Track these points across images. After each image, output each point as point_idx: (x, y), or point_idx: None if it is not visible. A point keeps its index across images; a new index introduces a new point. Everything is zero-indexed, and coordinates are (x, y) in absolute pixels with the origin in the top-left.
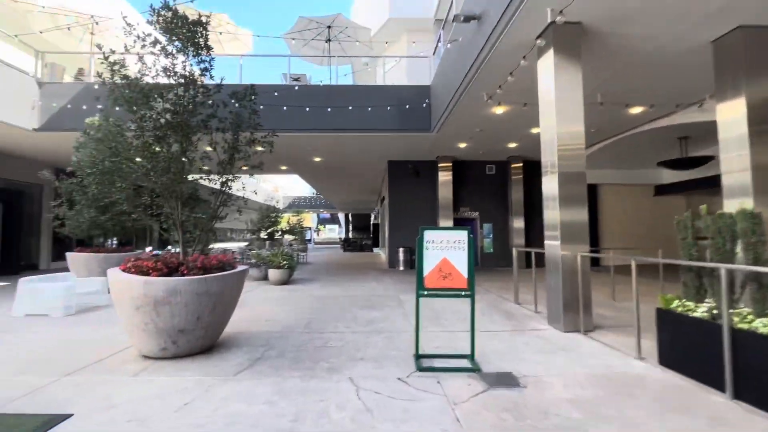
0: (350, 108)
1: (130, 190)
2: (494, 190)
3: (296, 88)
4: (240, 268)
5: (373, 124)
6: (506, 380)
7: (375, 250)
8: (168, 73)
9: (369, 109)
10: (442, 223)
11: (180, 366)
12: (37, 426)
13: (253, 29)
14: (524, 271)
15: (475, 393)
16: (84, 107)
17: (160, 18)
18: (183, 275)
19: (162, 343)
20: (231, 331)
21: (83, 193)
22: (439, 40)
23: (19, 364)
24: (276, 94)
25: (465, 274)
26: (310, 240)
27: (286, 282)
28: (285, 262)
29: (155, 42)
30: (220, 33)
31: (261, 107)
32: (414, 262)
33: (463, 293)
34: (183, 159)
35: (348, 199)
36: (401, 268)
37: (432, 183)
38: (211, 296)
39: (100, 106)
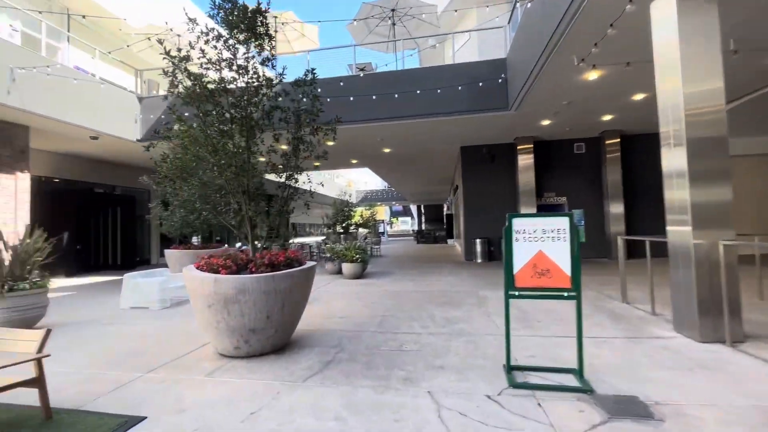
0: (418, 92)
1: (198, 186)
2: (584, 171)
3: (361, 76)
4: (308, 264)
5: (443, 107)
6: (631, 408)
7: (449, 241)
8: (230, 66)
9: (438, 91)
10: (524, 210)
11: (251, 366)
12: (113, 427)
13: (319, 24)
14: (627, 263)
15: (592, 425)
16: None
17: (221, 12)
18: (252, 273)
19: (235, 341)
20: (304, 328)
21: (174, 194)
22: (515, 6)
23: (114, 356)
24: (342, 84)
25: (567, 270)
26: (383, 233)
27: (359, 276)
28: (358, 256)
29: (219, 36)
30: (279, 24)
31: (328, 100)
32: (492, 253)
33: (565, 294)
34: (247, 152)
35: (419, 190)
36: (479, 260)
37: (510, 167)
38: (278, 294)
39: (186, 114)
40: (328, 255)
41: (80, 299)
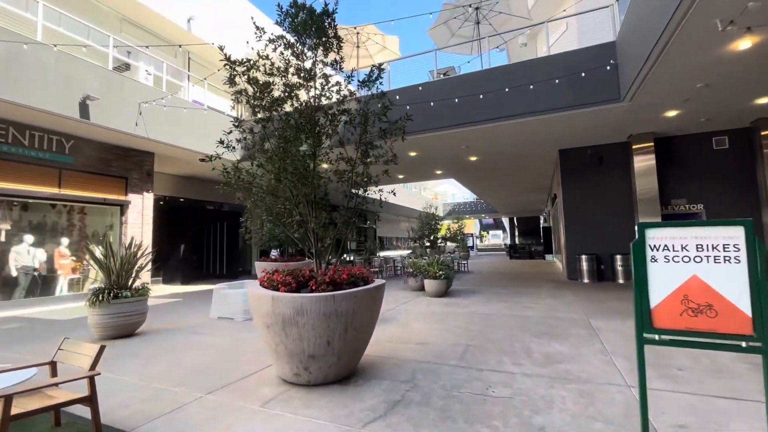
0: (506, 90)
1: (263, 197)
2: (728, 171)
3: (442, 78)
4: (376, 282)
5: (536, 105)
6: None
7: (547, 257)
8: (299, 73)
9: (531, 87)
10: (643, 219)
11: (309, 399)
12: None
13: (399, 33)
14: None
15: None
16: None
17: (288, 18)
18: (312, 291)
19: (294, 368)
20: (374, 353)
21: (256, 207)
22: None
23: (185, 371)
24: (420, 89)
25: (745, 306)
26: (472, 247)
27: (443, 294)
28: (441, 272)
29: (288, 45)
30: (361, 38)
31: (407, 107)
32: (603, 273)
33: (745, 343)
34: (312, 160)
35: (511, 201)
36: (585, 280)
37: (623, 171)
38: (340, 317)
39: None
40: (410, 270)
41: (182, 306)
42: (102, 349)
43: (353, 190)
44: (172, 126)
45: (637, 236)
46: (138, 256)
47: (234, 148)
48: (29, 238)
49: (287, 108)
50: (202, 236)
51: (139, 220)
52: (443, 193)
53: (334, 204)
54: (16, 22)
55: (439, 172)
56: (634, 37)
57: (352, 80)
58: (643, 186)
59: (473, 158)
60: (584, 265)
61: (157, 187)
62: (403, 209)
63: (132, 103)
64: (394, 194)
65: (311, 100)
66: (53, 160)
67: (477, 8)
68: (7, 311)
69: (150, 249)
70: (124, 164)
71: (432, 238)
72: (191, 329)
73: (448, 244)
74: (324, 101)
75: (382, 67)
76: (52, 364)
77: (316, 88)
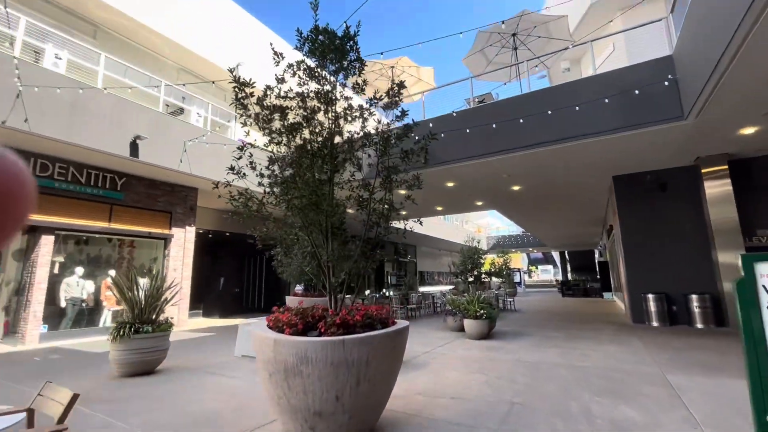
0: (549, 113)
1: (269, 227)
2: None
3: (479, 104)
4: (398, 325)
5: (583, 127)
6: None
7: (605, 295)
8: (318, 97)
9: (577, 108)
10: (723, 256)
11: None
12: None
13: (434, 64)
14: None
15: None
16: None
17: (307, 43)
18: (321, 334)
19: (299, 426)
20: (399, 408)
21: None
22: None
23: (188, 420)
24: (455, 115)
25: None
26: (519, 283)
27: (485, 336)
28: (483, 311)
29: (308, 68)
30: (395, 71)
31: (442, 135)
32: (675, 315)
33: None
34: (329, 186)
35: (561, 234)
36: (654, 323)
37: (691, 198)
38: (350, 367)
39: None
40: (449, 307)
41: (213, 341)
42: (74, 399)
43: (372, 219)
44: (215, 162)
45: (742, 273)
46: (164, 289)
47: (245, 175)
48: (80, 270)
49: (306, 134)
50: (243, 270)
51: (180, 253)
52: (487, 225)
53: (355, 234)
54: (85, 74)
55: (479, 203)
56: (697, 46)
57: (375, 103)
58: (718, 215)
59: (516, 188)
60: (652, 306)
61: (201, 221)
62: (444, 243)
63: (178, 142)
64: (420, 223)
65: (331, 124)
66: (106, 196)
67: (514, 34)
68: (51, 342)
69: (178, 282)
70: (170, 199)
71: (475, 273)
72: (211, 369)
73: (494, 279)
74: (343, 123)
75: (403, 82)
76: (30, 411)
77: (335, 111)
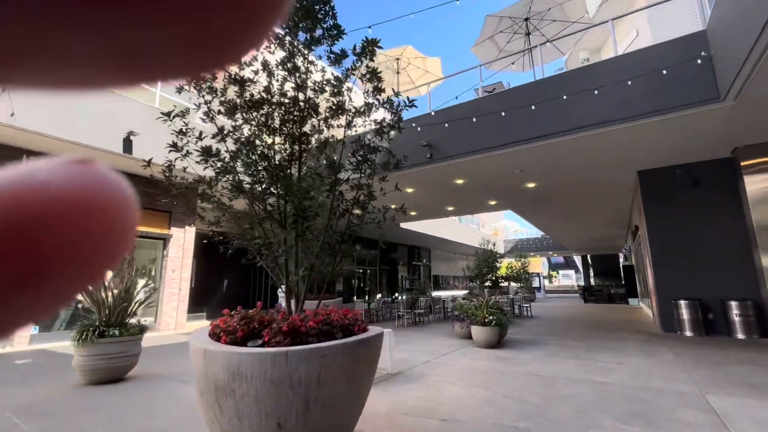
0: (564, 98)
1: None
2: None
3: (489, 94)
4: (366, 333)
5: (604, 114)
6: None
7: (631, 301)
8: (286, 69)
9: (596, 92)
10: None
11: None
12: None
13: (441, 53)
14: None
15: None
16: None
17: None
18: (265, 344)
19: None
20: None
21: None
22: None
23: None
24: (462, 106)
25: None
26: (539, 288)
27: (495, 344)
28: (492, 317)
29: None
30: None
31: (446, 125)
32: (711, 324)
33: None
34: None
35: (582, 237)
36: (687, 332)
37: (729, 195)
38: (296, 386)
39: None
40: (456, 313)
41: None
42: None
43: (342, 207)
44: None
45: None
46: (138, 289)
47: (189, 152)
48: None
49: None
50: (249, 270)
51: (180, 254)
52: (504, 228)
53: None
54: None
55: (493, 202)
56: (736, 14)
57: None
58: (762, 213)
59: (531, 185)
60: (684, 314)
61: (200, 222)
62: (459, 246)
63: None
64: (404, 212)
65: (300, 99)
66: None
67: (527, 19)
68: (42, 343)
69: (152, 282)
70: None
71: (490, 277)
72: (185, 377)
73: (512, 284)
74: (311, 93)
75: (376, 40)
76: None
77: (301, 77)
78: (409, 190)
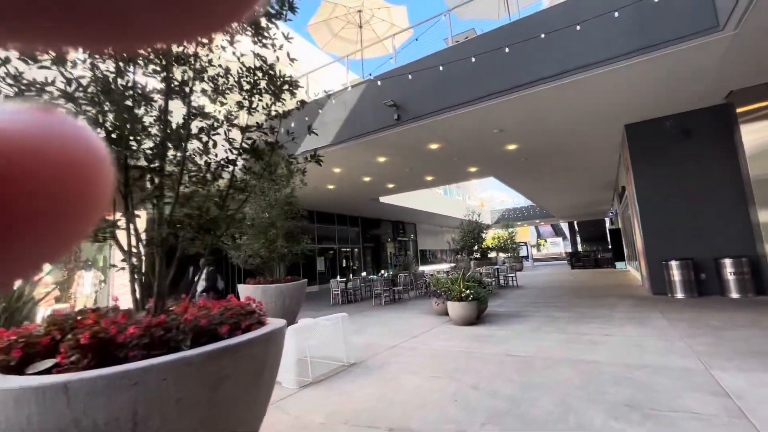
0: (542, 36)
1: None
2: None
3: (459, 43)
4: (249, 334)
5: (588, 56)
6: None
7: (618, 265)
8: None
9: (578, 28)
10: (765, 210)
11: None
12: None
13: (407, 2)
14: None
15: None
16: None
17: None
18: (58, 367)
19: None
20: None
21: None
22: None
23: None
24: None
25: None
26: (527, 257)
27: (473, 321)
28: (468, 291)
29: None
30: (366, 14)
31: (409, 76)
32: (704, 284)
33: None
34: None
35: (568, 203)
36: (678, 294)
37: (723, 146)
38: None
39: None
40: (433, 288)
41: None
42: None
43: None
44: None
45: None
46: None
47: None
48: None
49: None
50: (220, 257)
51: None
52: (491, 199)
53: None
54: None
55: (473, 169)
56: None
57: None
58: (758, 166)
59: (512, 147)
60: (675, 275)
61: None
62: (446, 219)
63: None
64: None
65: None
66: None
67: None
68: None
69: (50, 274)
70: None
71: (476, 248)
72: None
73: (500, 255)
74: None
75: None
76: None
77: None
78: (381, 159)
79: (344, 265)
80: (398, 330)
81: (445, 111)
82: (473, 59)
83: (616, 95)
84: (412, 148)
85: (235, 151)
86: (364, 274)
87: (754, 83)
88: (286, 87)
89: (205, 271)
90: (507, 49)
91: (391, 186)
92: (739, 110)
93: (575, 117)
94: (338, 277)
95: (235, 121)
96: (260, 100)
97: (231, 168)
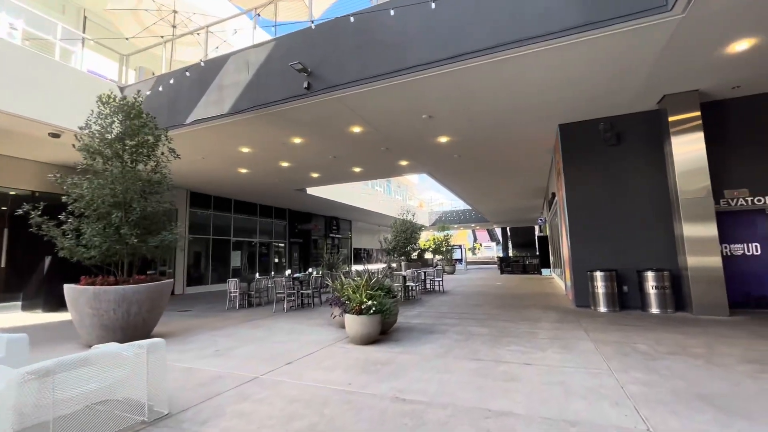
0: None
1: None
2: None
3: (384, 2)
4: None
5: (520, 30)
6: None
7: (544, 271)
8: None
9: None
10: (688, 224)
11: None
12: None
13: None
14: None
15: None
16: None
17: None
18: None
19: None
20: None
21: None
22: None
23: None
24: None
25: None
26: (460, 260)
27: (375, 338)
28: (370, 302)
29: None
30: None
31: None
32: (626, 297)
33: None
34: None
35: (500, 207)
36: (601, 308)
37: (653, 153)
38: None
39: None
40: (336, 294)
41: None
42: None
43: None
44: (42, 95)
45: None
46: None
47: None
48: None
49: None
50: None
51: None
52: (430, 200)
53: None
54: None
55: (404, 163)
56: None
57: None
58: (684, 173)
59: (443, 139)
60: (599, 287)
61: (18, 179)
62: (383, 217)
63: None
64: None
65: None
66: None
67: None
68: None
69: None
70: None
71: (407, 249)
72: None
73: (437, 257)
74: None
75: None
76: None
77: None
78: (296, 140)
79: (277, 262)
80: (276, 351)
81: (364, 82)
82: (392, 13)
83: (550, 85)
84: (332, 129)
85: None
86: (288, 272)
87: (685, 89)
88: None
89: None
90: (433, 5)
91: (315, 175)
92: (671, 119)
93: (509, 107)
94: (257, 274)
95: None
96: None
97: None
